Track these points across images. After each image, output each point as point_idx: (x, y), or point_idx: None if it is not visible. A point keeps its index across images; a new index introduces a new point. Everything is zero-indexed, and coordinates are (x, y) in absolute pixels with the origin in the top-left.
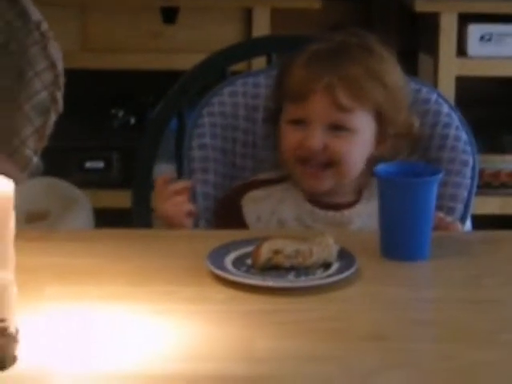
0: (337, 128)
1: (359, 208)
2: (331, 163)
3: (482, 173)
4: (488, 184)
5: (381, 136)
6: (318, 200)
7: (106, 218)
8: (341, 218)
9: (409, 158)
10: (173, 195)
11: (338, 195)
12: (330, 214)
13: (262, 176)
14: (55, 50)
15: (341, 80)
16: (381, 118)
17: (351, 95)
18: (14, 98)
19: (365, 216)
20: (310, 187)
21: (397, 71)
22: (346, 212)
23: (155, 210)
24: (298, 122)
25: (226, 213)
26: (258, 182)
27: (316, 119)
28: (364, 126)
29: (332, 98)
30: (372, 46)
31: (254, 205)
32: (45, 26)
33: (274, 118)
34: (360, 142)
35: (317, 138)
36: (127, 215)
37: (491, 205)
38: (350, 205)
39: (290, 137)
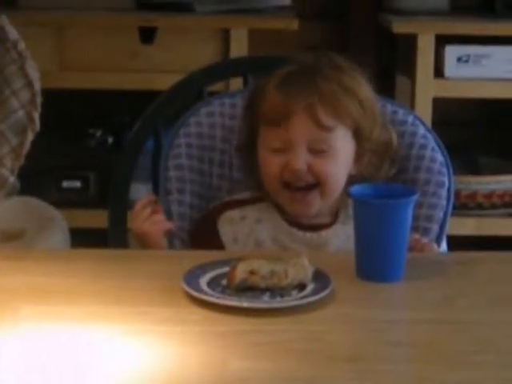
0: (318, 147)
1: (336, 229)
2: (316, 184)
3: (458, 194)
4: (464, 205)
5: (358, 153)
6: (295, 221)
7: (82, 238)
8: (318, 240)
9: (387, 176)
10: (151, 214)
11: (316, 216)
12: (308, 235)
13: (237, 196)
14: (32, 70)
15: (320, 99)
16: (358, 135)
17: (331, 113)
18: None
19: (342, 237)
20: (297, 211)
21: (368, 87)
22: (324, 233)
23: (133, 229)
24: (280, 146)
25: (202, 233)
26: (233, 203)
27: (297, 141)
28: (344, 144)
29: (312, 118)
30: (341, 64)
31: (231, 226)
32: (22, 45)
33: (248, 143)
34: (342, 160)
35: (300, 159)
36: (104, 235)
37: (467, 226)
38: (328, 226)
39: (272, 162)
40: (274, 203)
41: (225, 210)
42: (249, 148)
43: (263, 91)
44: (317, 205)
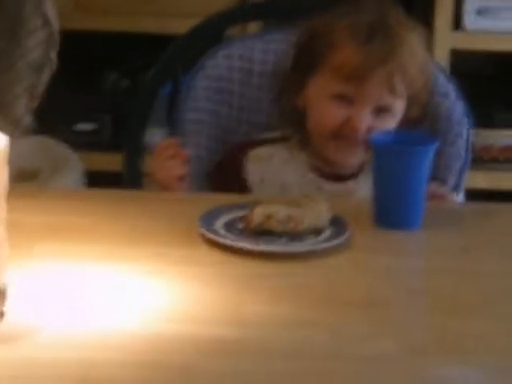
0: (382, 110)
1: (362, 179)
2: (364, 140)
3: (472, 147)
4: (479, 158)
5: (403, 118)
6: (322, 170)
7: (96, 181)
8: (343, 190)
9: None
10: (166, 160)
11: (343, 166)
12: (334, 185)
13: (264, 136)
14: (49, 8)
15: (398, 67)
16: (410, 98)
17: (403, 81)
18: (7, 57)
19: (367, 189)
20: (340, 160)
21: (426, 49)
22: (349, 183)
23: (151, 173)
24: (344, 98)
25: (227, 172)
26: (259, 141)
27: (368, 101)
28: (401, 108)
29: (388, 84)
30: (407, 23)
31: (258, 164)
32: None
33: (296, 82)
34: (395, 124)
35: (364, 120)
36: (117, 178)
37: (482, 179)
38: (353, 176)
39: (333, 112)
40: (308, 146)
41: (252, 147)
42: (295, 85)
43: (332, 37)
44: (360, 157)
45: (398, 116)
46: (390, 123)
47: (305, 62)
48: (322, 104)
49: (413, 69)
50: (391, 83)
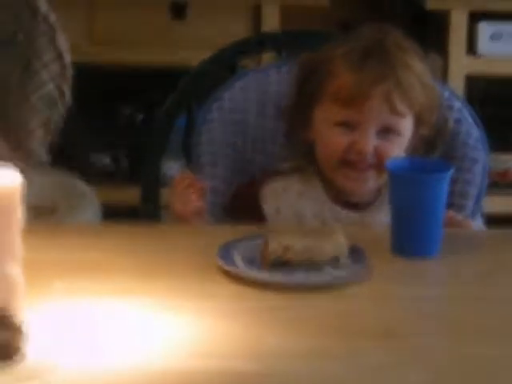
0: (387, 131)
1: (379, 207)
2: (374, 165)
3: (490, 172)
4: (495, 183)
5: (413, 137)
6: (338, 198)
7: (112, 215)
8: (360, 219)
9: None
10: (183, 193)
11: (359, 195)
12: (351, 214)
13: (279, 167)
14: (63, 42)
15: (396, 85)
16: (417, 119)
17: (405, 100)
18: (21, 90)
19: (383, 216)
20: (351, 189)
21: (427, 69)
22: (366, 212)
23: (170, 206)
24: (347, 125)
25: (242, 204)
26: (275, 174)
27: (370, 123)
28: (409, 128)
29: (388, 104)
30: (406, 44)
31: (274, 196)
32: (52, 17)
33: (302, 114)
34: (403, 144)
35: (369, 142)
36: (133, 212)
37: (498, 204)
38: (370, 204)
39: (337, 139)
40: (322, 177)
41: (268, 180)
42: (301, 119)
43: (330, 65)
44: (372, 184)
45: (406, 136)
46: (399, 144)
47: (307, 95)
48: (327, 133)
49: (412, 86)
50: (390, 102)
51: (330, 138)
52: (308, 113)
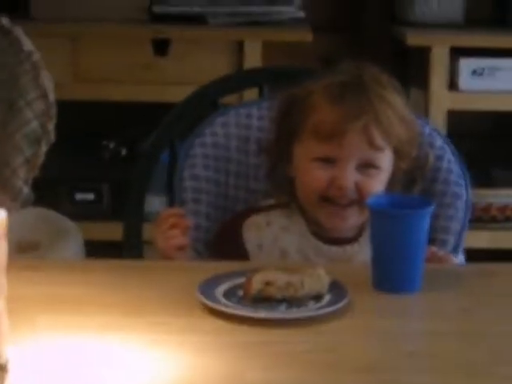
0: (366, 166)
1: (362, 243)
2: (356, 200)
3: (472, 207)
4: (479, 218)
5: (393, 171)
6: (321, 234)
7: (96, 250)
8: (343, 254)
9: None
10: (167, 229)
11: (342, 230)
12: (333, 249)
13: (262, 203)
14: (47, 80)
15: (375, 119)
16: (396, 154)
17: (383, 134)
18: (4, 128)
19: (367, 252)
20: (333, 225)
21: (406, 104)
22: (349, 247)
23: (153, 242)
24: (326, 160)
25: (225, 240)
26: (257, 209)
27: (349, 158)
28: (388, 163)
29: (367, 138)
30: (383, 79)
31: (256, 231)
32: (36, 56)
33: (282, 151)
34: (384, 179)
35: (349, 177)
36: (117, 248)
37: (482, 239)
38: (353, 240)
39: (316, 175)
40: (303, 212)
41: (249, 215)
42: (282, 155)
43: (309, 100)
44: (354, 219)
45: (386, 170)
46: (379, 179)
47: (287, 130)
48: (307, 169)
49: (390, 120)
50: (369, 136)
51: (309, 173)
52: (288, 148)
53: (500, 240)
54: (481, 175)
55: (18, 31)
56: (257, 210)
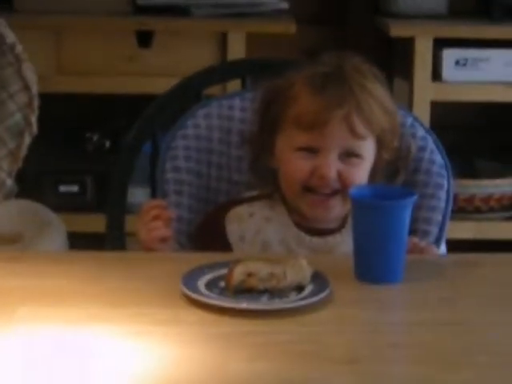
0: (349, 155)
1: (343, 235)
2: (339, 190)
3: (456, 198)
4: (462, 209)
5: (376, 161)
6: (303, 225)
7: (80, 242)
8: (325, 245)
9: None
10: (150, 221)
11: (324, 221)
12: (314, 240)
13: (245, 195)
14: (30, 72)
15: (356, 108)
16: (379, 143)
17: (365, 122)
18: None
19: (349, 243)
20: (317, 215)
21: (388, 93)
22: (331, 238)
23: (136, 234)
24: (308, 150)
25: (207, 231)
26: (240, 200)
27: (331, 147)
28: (370, 152)
29: (349, 127)
30: (364, 70)
31: (239, 223)
32: (19, 48)
33: (265, 141)
34: (366, 168)
35: (332, 167)
36: (102, 239)
37: (465, 229)
38: (335, 231)
39: (299, 165)
40: (286, 203)
41: (232, 206)
42: (265, 146)
43: (291, 91)
44: (337, 210)
45: (369, 160)
46: (362, 168)
47: (269, 121)
48: (289, 159)
49: (372, 108)
50: (350, 125)
51: (292, 163)
52: (271, 139)
53: (484, 230)
54: (464, 166)
55: (1, 23)
56: (239, 201)
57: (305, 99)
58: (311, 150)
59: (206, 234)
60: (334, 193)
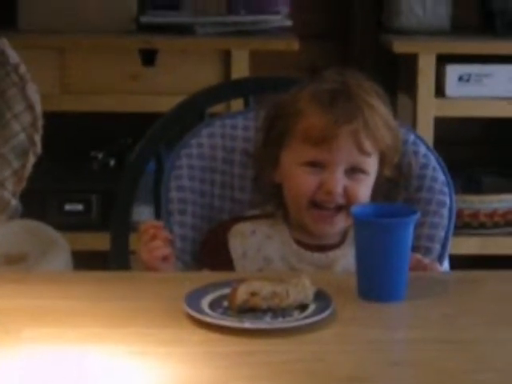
0: (354, 171)
1: (344, 250)
2: (343, 206)
3: (460, 213)
4: (467, 224)
5: (377, 177)
6: (304, 242)
7: (85, 261)
8: (325, 260)
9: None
10: (149, 240)
11: (325, 237)
12: (315, 255)
13: (247, 213)
14: (33, 92)
15: (364, 125)
16: (381, 160)
17: (371, 140)
18: None
19: (350, 258)
20: (321, 230)
21: (390, 110)
22: (331, 254)
23: (137, 253)
24: (315, 165)
25: (210, 248)
26: (243, 218)
27: (339, 162)
28: (374, 168)
29: (356, 143)
30: (367, 87)
31: (241, 239)
32: (22, 68)
33: (270, 155)
34: (370, 184)
35: (339, 182)
36: (107, 258)
37: (470, 245)
38: (335, 246)
39: (305, 180)
40: (288, 220)
41: (235, 223)
42: (269, 161)
43: (296, 107)
44: (341, 225)
45: (372, 176)
46: (366, 184)
47: (275, 136)
48: (295, 173)
49: (378, 125)
50: (358, 141)
51: (298, 178)
52: (275, 154)
53: (489, 246)
54: (469, 181)
55: (4, 43)
56: (242, 218)
57: (313, 114)
58: (318, 165)
59: (209, 249)
60: (339, 208)
